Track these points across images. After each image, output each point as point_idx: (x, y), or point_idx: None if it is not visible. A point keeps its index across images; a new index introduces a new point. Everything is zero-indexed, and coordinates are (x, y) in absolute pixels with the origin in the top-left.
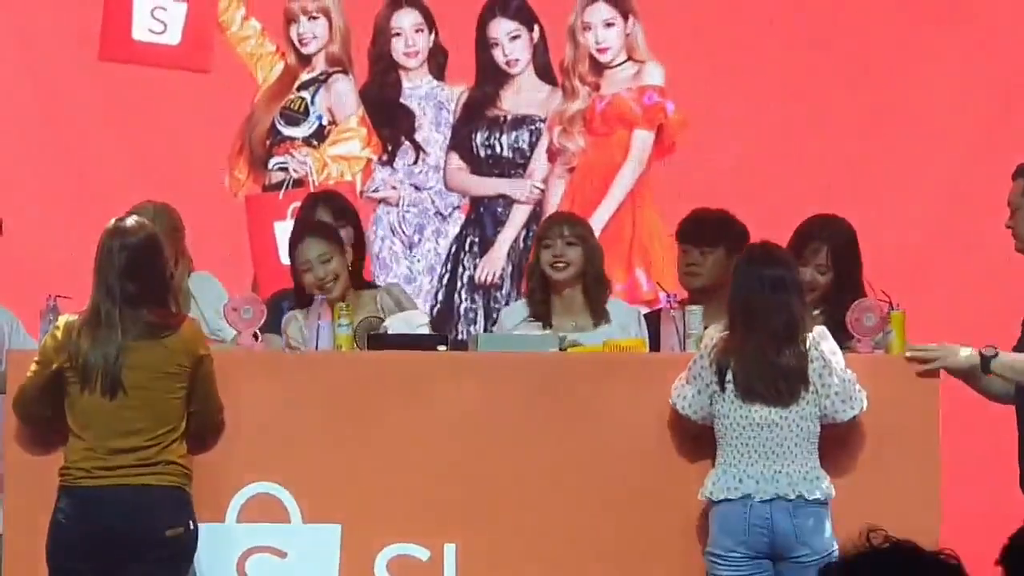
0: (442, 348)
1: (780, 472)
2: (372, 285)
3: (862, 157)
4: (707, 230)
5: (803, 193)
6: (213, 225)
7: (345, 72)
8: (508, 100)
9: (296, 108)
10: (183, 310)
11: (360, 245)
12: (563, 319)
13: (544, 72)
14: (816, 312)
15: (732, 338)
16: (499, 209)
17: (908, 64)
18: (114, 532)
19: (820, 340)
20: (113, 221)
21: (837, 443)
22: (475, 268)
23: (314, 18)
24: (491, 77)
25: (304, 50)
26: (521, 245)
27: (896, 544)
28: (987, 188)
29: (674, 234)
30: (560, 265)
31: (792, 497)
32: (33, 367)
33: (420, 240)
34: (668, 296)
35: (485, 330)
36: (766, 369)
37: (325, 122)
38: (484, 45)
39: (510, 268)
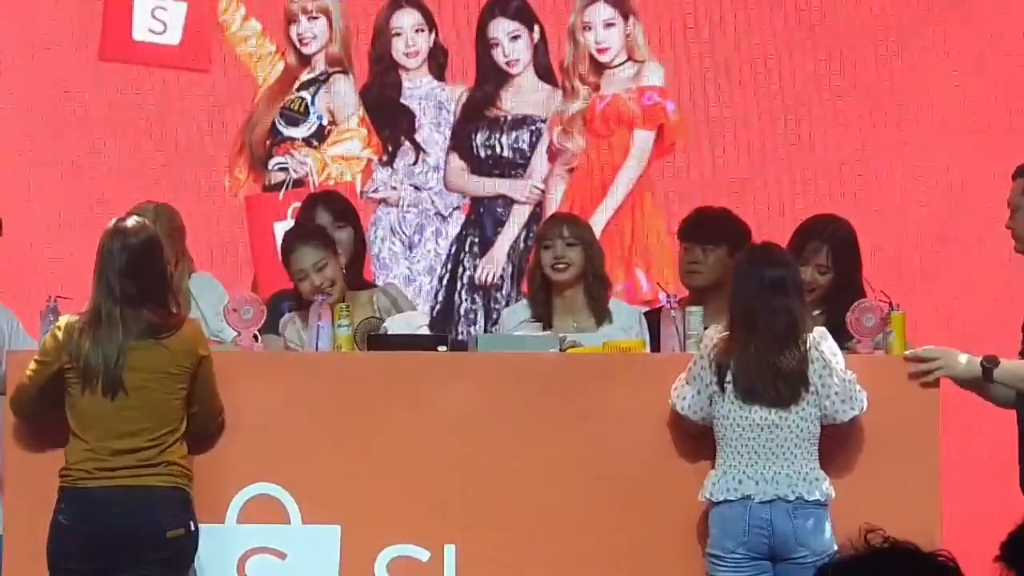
0: (442, 349)
1: (780, 473)
2: (371, 286)
3: (862, 157)
4: (709, 228)
5: (803, 193)
6: (213, 225)
7: (345, 72)
8: (508, 100)
9: (296, 108)
10: (184, 311)
11: (360, 246)
12: (564, 320)
13: (544, 72)
14: (816, 312)
15: (732, 339)
16: (499, 209)
17: (909, 64)
18: (115, 533)
19: (820, 340)
20: (114, 221)
21: (837, 444)
22: (475, 268)
23: (314, 18)
24: (491, 77)
25: (304, 50)
26: (521, 245)
27: (895, 545)
28: (987, 189)
29: (676, 232)
30: (561, 266)
31: (792, 498)
32: (33, 365)
33: (420, 240)
34: (668, 296)
35: (485, 330)
36: (766, 371)
37: (325, 122)
38: (484, 45)
39: (510, 268)
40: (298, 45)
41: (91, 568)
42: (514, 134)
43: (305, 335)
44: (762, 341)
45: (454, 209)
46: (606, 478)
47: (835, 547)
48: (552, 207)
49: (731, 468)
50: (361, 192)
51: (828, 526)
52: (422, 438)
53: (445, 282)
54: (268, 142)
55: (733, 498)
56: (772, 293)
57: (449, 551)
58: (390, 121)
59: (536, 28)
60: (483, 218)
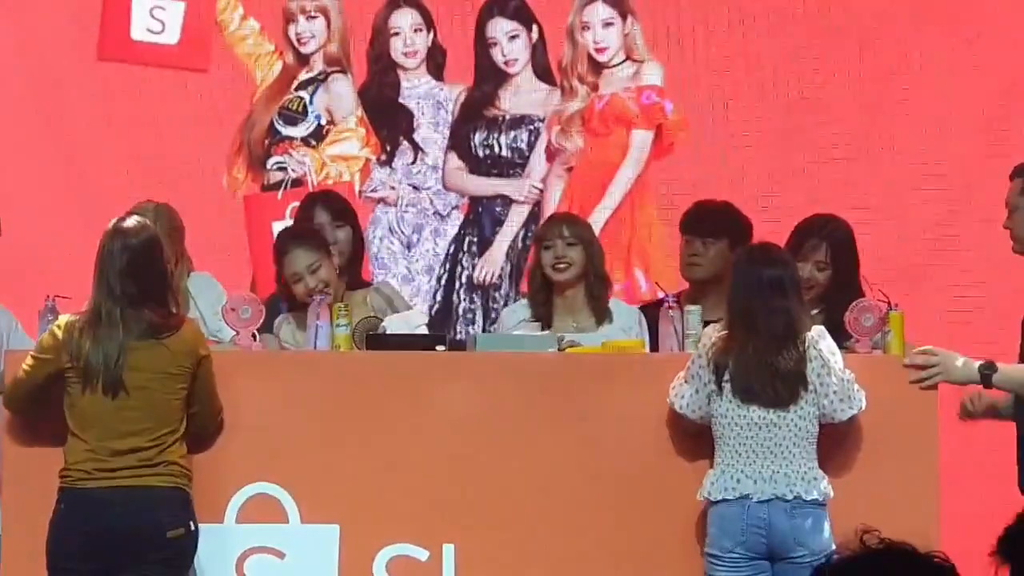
0: (440, 348)
1: (778, 472)
2: (368, 285)
3: (862, 157)
4: (710, 221)
5: (802, 193)
6: (211, 225)
7: (343, 72)
8: (506, 100)
9: (295, 108)
10: (183, 311)
11: (359, 245)
12: (565, 320)
13: (543, 72)
14: (815, 312)
15: (731, 339)
16: (498, 209)
17: (908, 64)
18: (115, 533)
19: (819, 340)
20: (114, 222)
21: (836, 443)
22: (474, 268)
23: (312, 18)
24: (490, 77)
25: (303, 50)
26: (520, 245)
27: (891, 546)
28: (986, 188)
29: (678, 225)
30: (561, 266)
31: (790, 497)
32: (29, 361)
33: (418, 240)
34: (666, 296)
35: (484, 330)
36: (764, 371)
37: (323, 122)
38: (483, 45)
39: (509, 268)
40: (296, 45)
41: (91, 569)
42: (512, 134)
43: (300, 335)
44: (760, 341)
45: (452, 209)
46: (604, 477)
47: (833, 547)
48: (550, 207)
49: (729, 467)
50: (359, 192)
51: (827, 526)
52: (421, 438)
53: (443, 282)
54: (266, 141)
55: (731, 497)
56: (770, 293)
57: (448, 551)
58: (388, 121)
59: (534, 28)
60: (481, 218)
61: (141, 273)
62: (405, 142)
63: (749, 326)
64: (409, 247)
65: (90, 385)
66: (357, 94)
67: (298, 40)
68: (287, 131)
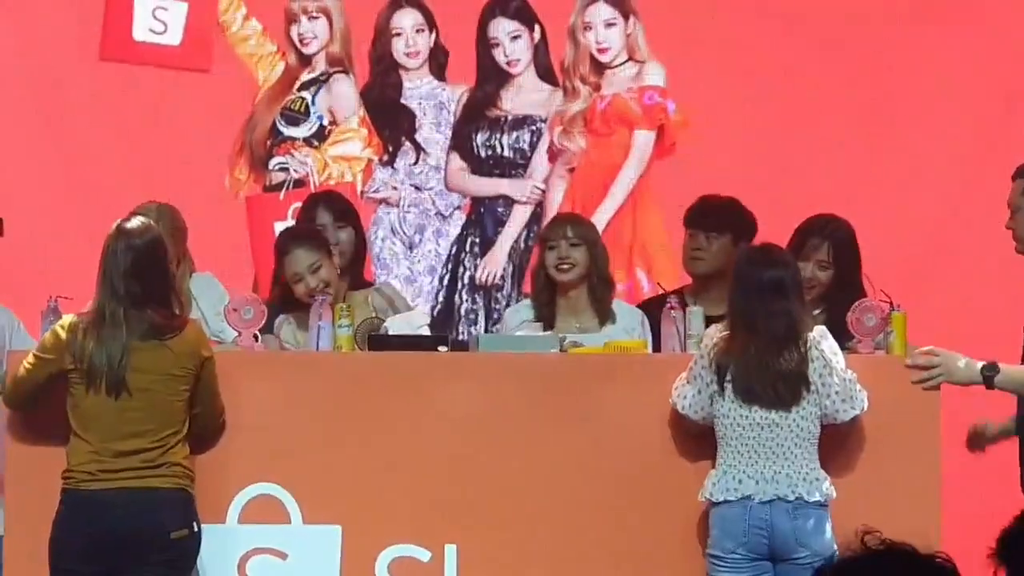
0: (443, 349)
1: (780, 473)
2: (369, 286)
3: (863, 157)
4: (714, 216)
5: (804, 194)
6: (214, 225)
7: (346, 72)
8: (509, 100)
9: (297, 108)
10: (186, 312)
11: (361, 246)
12: (568, 320)
13: (545, 72)
14: (816, 312)
15: (732, 339)
16: (500, 209)
17: (909, 65)
18: (118, 535)
19: (820, 340)
20: (118, 222)
21: (838, 444)
22: (476, 268)
23: (315, 18)
24: (492, 77)
25: (305, 50)
26: (522, 245)
27: (891, 546)
28: (988, 189)
29: (683, 219)
30: (565, 267)
31: (792, 498)
32: (31, 359)
33: (421, 240)
34: (666, 293)
35: (486, 331)
36: (765, 372)
37: (326, 122)
38: (485, 45)
39: (511, 268)
40: (299, 45)
41: (93, 571)
42: (515, 134)
43: (300, 335)
44: (761, 342)
45: (455, 209)
46: (606, 478)
47: (835, 547)
48: (553, 207)
49: (731, 468)
50: (361, 192)
51: (828, 526)
52: (423, 438)
53: (446, 282)
54: (269, 142)
55: (733, 498)
56: (771, 295)
57: (450, 551)
58: (390, 121)
59: (536, 28)
60: (484, 218)
61: (145, 274)
62: (407, 143)
63: (750, 327)
64: (411, 248)
65: (93, 385)
66: (359, 94)
67: (300, 41)
68: (289, 132)
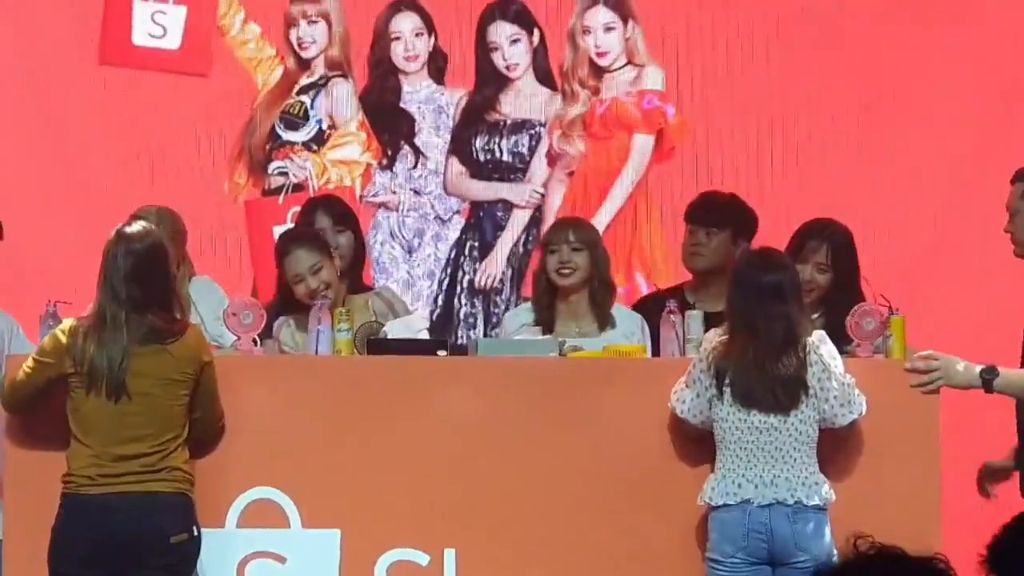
0: (442, 353)
1: (779, 477)
2: (369, 290)
3: (863, 160)
4: (714, 211)
5: (803, 197)
6: (213, 230)
7: (345, 76)
8: (508, 104)
9: (296, 112)
10: (187, 316)
11: (360, 250)
12: (568, 324)
13: (544, 76)
14: (815, 315)
15: (731, 344)
16: (499, 213)
17: (909, 68)
18: (118, 539)
19: (819, 344)
20: (119, 227)
21: (837, 448)
22: (475, 272)
23: (314, 22)
24: (491, 81)
25: (304, 54)
26: (521, 249)
27: (882, 550)
28: (987, 192)
29: (683, 216)
30: (566, 271)
31: (791, 502)
32: (30, 363)
33: (420, 244)
34: (668, 300)
35: (485, 334)
36: (764, 377)
37: (325, 126)
38: (484, 49)
39: (510, 272)
40: (297, 49)
41: (93, 575)
42: (514, 138)
43: (299, 337)
44: (761, 347)
45: (454, 213)
46: (605, 482)
47: (835, 551)
48: (552, 211)
49: (730, 472)
50: (361, 196)
51: (828, 530)
52: (422, 442)
53: (445, 286)
54: (267, 146)
55: (732, 502)
56: (770, 300)
57: (449, 555)
58: (389, 125)
59: (536, 32)
60: (483, 222)
61: (145, 278)
62: (406, 146)
63: (749, 331)
64: (410, 251)
65: (94, 389)
66: (358, 98)
67: (299, 44)
68: (288, 136)
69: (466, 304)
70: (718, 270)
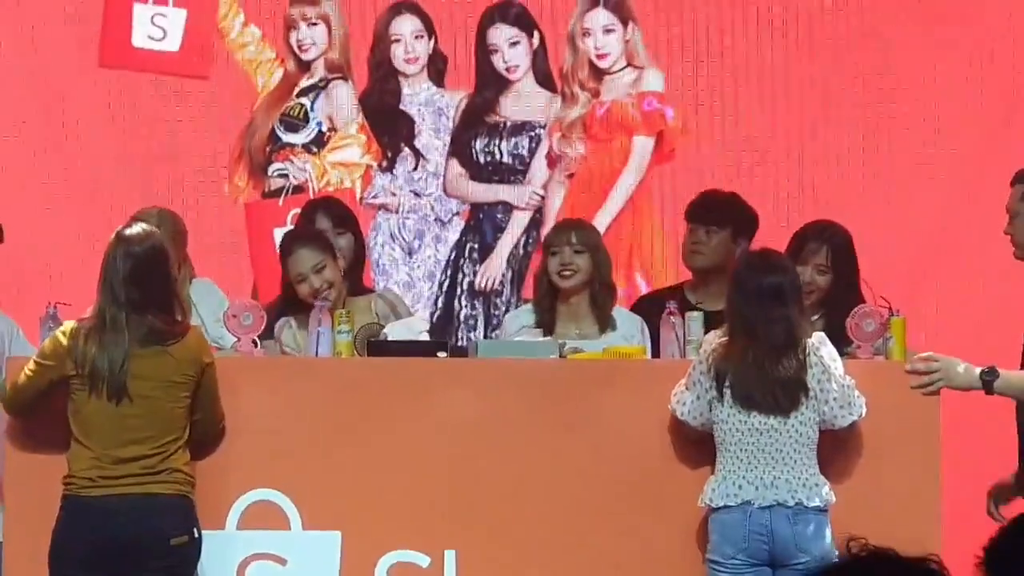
0: (442, 355)
1: (779, 478)
2: (370, 292)
3: (863, 163)
4: (714, 210)
5: (803, 199)
6: (213, 232)
7: (345, 78)
8: (507, 106)
9: (296, 114)
10: (188, 318)
11: (360, 252)
12: (568, 326)
13: (544, 78)
14: (815, 317)
15: (731, 346)
16: (499, 215)
17: (910, 68)
18: (119, 541)
19: (819, 346)
20: (118, 229)
21: (837, 449)
22: (475, 274)
23: (314, 24)
24: (491, 83)
25: (304, 56)
26: (521, 251)
27: (874, 551)
28: (988, 194)
29: (684, 215)
30: (567, 273)
31: (791, 504)
32: (32, 366)
33: (420, 246)
34: (668, 302)
35: (485, 336)
36: (764, 379)
37: (325, 128)
38: (484, 51)
39: (510, 274)
40: (297, 51)
41: None
42: (513, 140)
43: (301, 336)
44: (760, 350)
45: (454, 215)
46: (606, 484)
47: (836, 553)
48: (551, 213)
49: (731, 473)
50: (361, 198)
51: (828, 532)
52: (422, 444)
53: (445, 288)
54: (268, 148)
55: (733, 504)
56: (770, 302)
57: (449, 557)
58: (389, 127)
59: (535, 34)
60: (483, 224)
61: (144, 280)
62: (406, 148)
63: (749, 334)
64: (410, 253)
65: (96, 390)
66: (358, 101)
67: (299, 47)
68: (288, 138)
69: (466, 306)
70: (718, 269)
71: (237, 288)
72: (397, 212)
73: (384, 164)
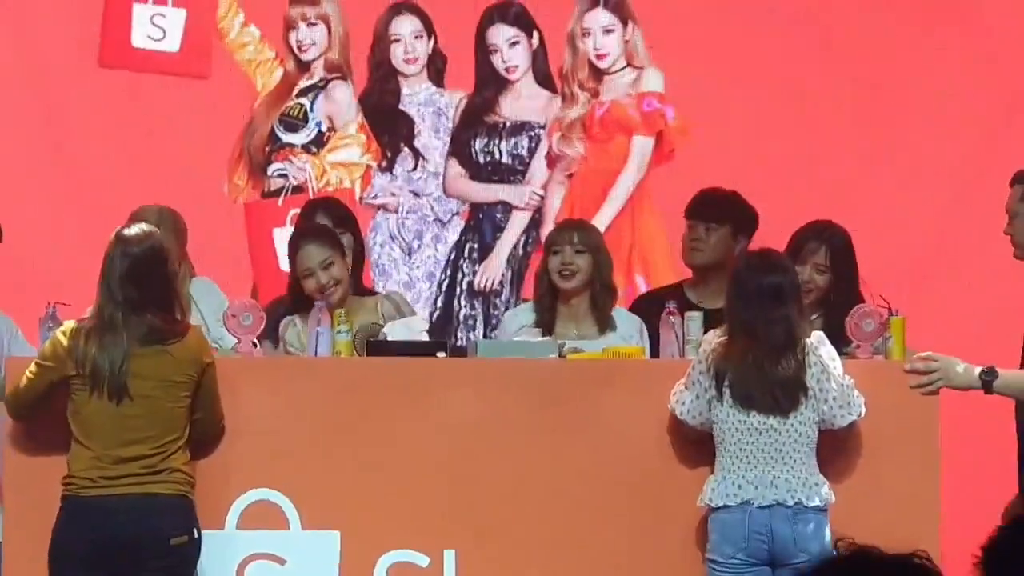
0: (441, 354)
1: (779, 478)
2: (372, 292)
3: (863, 163)
4: (714, 207)
5: (803, 199)
6: (212, 232)
7: (344, 78)
8: (507, 106)
9: (295, 115)
10: (188, 317)
11: (360, 252)
12: (567, 327)
13: (543, 78)
14: (814, 317)
15: (731, 345)
16: (498, 215)
17: (910, 70)
18: (119, 541)
19: (818, 346)
20: (118, 229)
21: (837, 449)
22: (474, 274)
23: (313, 24)
24: (490, 83)
25: (303, 56)
26: (520, 251)
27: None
28: (988, 194)
29: (683, 212)
30: (567, 273)
31: (791, 503)
32: (33, 368)
33: (419, 246)
34: (667, 301)
35: (485, 336)
36: (764, 379)
37: (324, 128)
38: (483, 51)
39: (509, 274)
40: (297, 51)
41: None
42: (513, 140)
43: (306, 337)
44: (760, 350)
45: (453, 215)
46: (605, 483)
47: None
48: (551, 213)
49: (730, 473)
50: (360, 198)
51: (828, 531)
52: (421, 443)
53: (444, 288)
54: (267, 148)
55: (732, 503)
56: (770, 302)
57: (448, 556)
58: (389, 127)
59: (535, 34)
60: (482, 224)
61: (143, 280)
62: (406, 148)
63: (749, 334)
64: (410, 253)
65: (96, 390)
66: (358, 101)
67: (299, 47)
68: (288, 138)
69: (465, 306)
70: (718, 266)
71: (236, 288)
72: (397, 212)
73: (384, 164)
